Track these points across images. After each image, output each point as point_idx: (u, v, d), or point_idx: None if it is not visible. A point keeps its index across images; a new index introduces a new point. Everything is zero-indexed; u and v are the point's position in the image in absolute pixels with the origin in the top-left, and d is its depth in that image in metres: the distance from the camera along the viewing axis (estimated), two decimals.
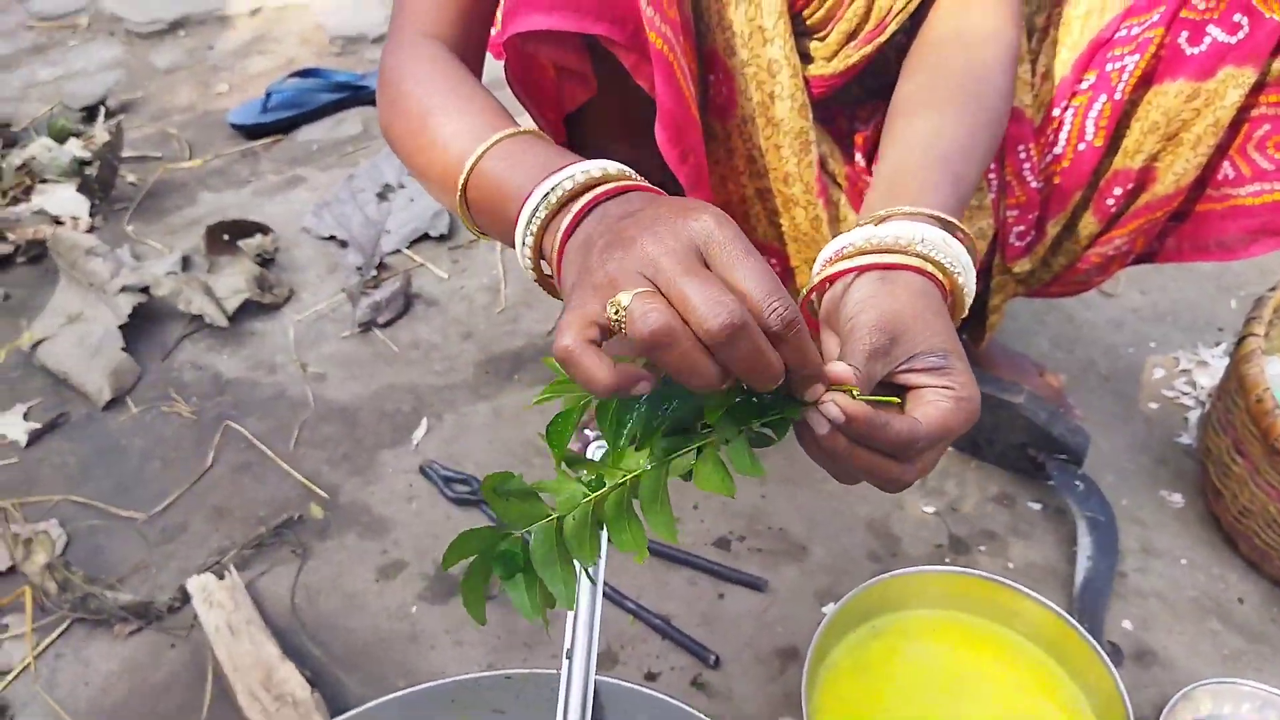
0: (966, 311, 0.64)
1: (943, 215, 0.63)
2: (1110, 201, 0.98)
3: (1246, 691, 0.86)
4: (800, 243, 0.96)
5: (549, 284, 0.60)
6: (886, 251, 0.60)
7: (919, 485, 1.13)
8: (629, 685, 0.70)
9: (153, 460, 1.18)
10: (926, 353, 0.56)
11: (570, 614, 0.70)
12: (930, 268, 0.60)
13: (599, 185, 0.56)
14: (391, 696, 0.69)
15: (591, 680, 0.68)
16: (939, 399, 0.56)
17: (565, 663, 0.69)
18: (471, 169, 0.63)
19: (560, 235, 0.55)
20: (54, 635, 0.99)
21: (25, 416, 1.23)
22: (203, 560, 1.05)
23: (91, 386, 1.24)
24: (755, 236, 0.98)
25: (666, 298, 0.47)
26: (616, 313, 0.46)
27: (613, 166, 0.57)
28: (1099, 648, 0.82)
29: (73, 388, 1.25)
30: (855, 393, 0.52)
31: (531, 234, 0.57)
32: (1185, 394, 1.25)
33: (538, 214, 0.56)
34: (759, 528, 1.09)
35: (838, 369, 0.52)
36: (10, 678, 0.95)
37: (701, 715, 0.67)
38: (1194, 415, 1.21)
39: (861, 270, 0.60)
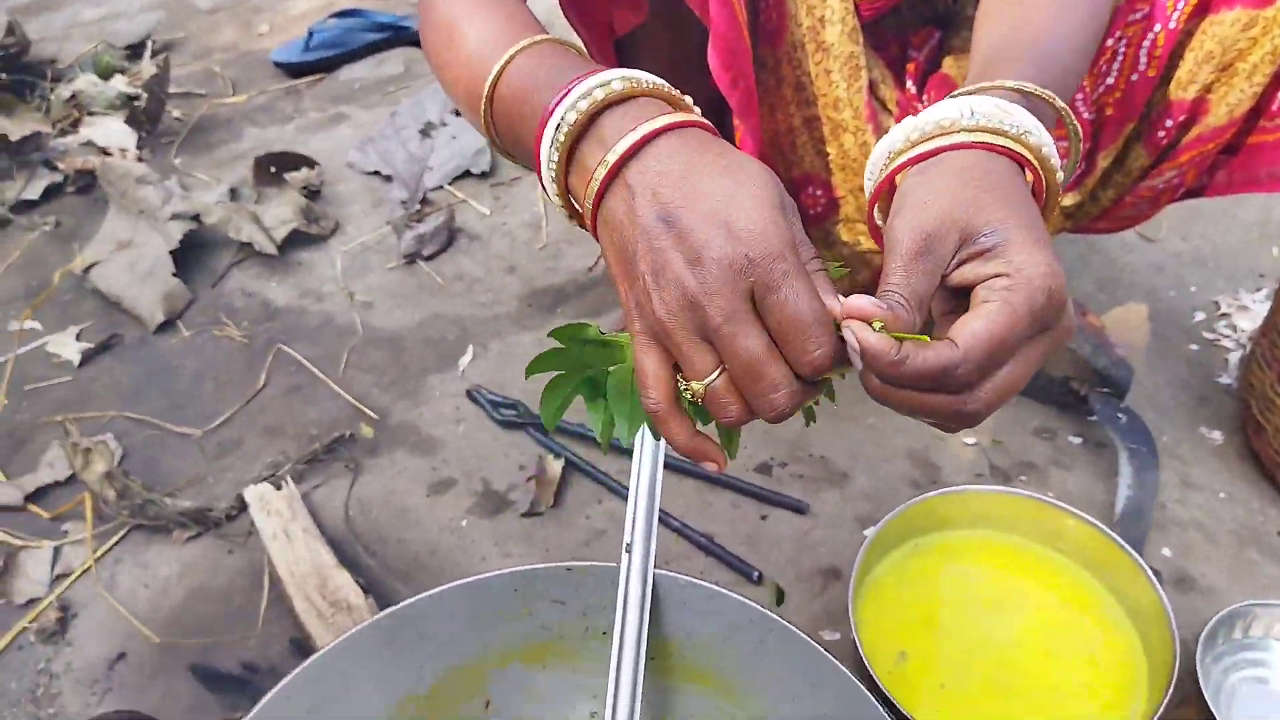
0: (1063, 177, 0.53)
1: (1008, 84, 0.54)
2: (1161, 134, 0.98)
3: None
4: (848, 171, 0.96)
5: (577, 216, 0.55)
6: (927, 140, 0.52)
7: None
8: (686, 578, 0.71)
9: (205, 381, 1.20)
10: (976, 233, 0.47)
11: (630, 510, 0.71)
12: (984, 138, 0.51)
13: (626, 100, 0.50)
14: (458, 583, 0.71)
15: (650, 572, 0.70)
16: (987, 297, 0.46)
17: (625, 556, 0.71)
18: (495, 80, 0.58)
19: (593, 196, 0.50)
20: (113, 541, 1.01)
21: (78, 338, 1.26)
22: (257, 474, 1.07)
23: (144, 309, 1.26)
24: (801, 168, 0.98)
25: (727, 363, 0.47)
26: (692, 396, 0.48)
27: (645, 78, 0.51)
28: (1143, 564, 0.83)
29: (125, 311, 1.28)
30: (877, 325, 0.44)
31: (554, 165, 0.52)
32: (1226, 336, 1.25)
33: (557, 140, 0.51)
34: (800, 455, 1.10)
35: (854, 303, 0.45)
36: (71, 579, 0.98)
37: (755, 603, 0.69)
38: (1234, 357, 1.22)
39: (901, 168, 0.53)
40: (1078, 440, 1.11)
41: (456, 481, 1.08)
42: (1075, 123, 0.56)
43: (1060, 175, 0.53)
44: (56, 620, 0.95)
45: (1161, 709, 0.74)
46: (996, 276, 0.46)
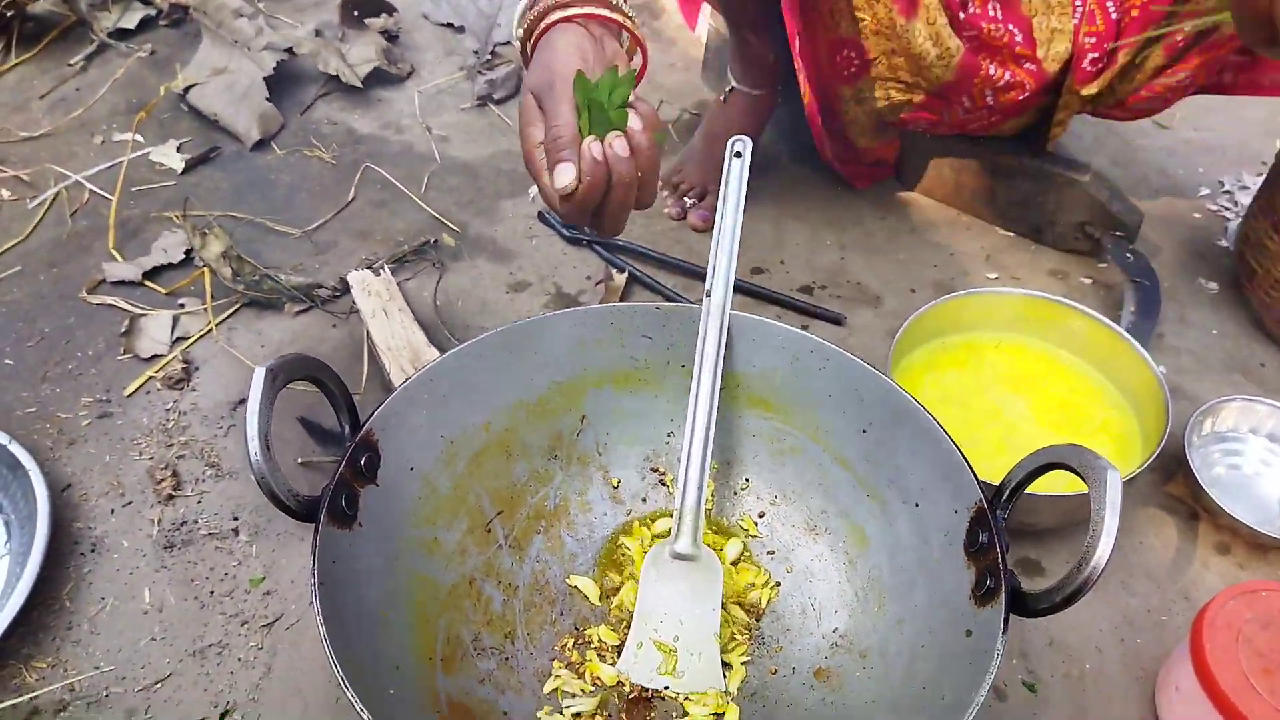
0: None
1: None
2: (1179, 37, 1.08)
3: (1265, 410, 1.00)
4: (880, 36, 1.08)
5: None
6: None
7: (985, 255, 1.26)
8: (757, 318, 0.84)
9: (299, 192, 1.32)
10: None
11: (711, 259, 0.84)
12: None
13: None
14: (564, 311, 0.84)
15: (727, 312, 0.82)
16: None
17: (706, 300, 0.83)
18: None
19: (530, 44, 0.79)
20: (229, 312, 1.14)
21: (178, 150, 1.37)
22: (354, 267, 1.19)
23: (240, 127, 1.37)
24: (837, 33, 1.10)
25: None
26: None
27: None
28: (1143, 351, 0.96)
29: (222, 128, 1.39)
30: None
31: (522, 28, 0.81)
32: (1228, 209, 1.37)
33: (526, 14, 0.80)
34: (839, 280, 1.23)
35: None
36: (194, 338, 1.11)
37: (819, 339, 0.82)
38: (1234, 224, 1.34)
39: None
40: (1088, 281, 1.24)
41: (531, 284, 1.20)
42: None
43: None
44: (181, 369, 1.07)
45: (1155, 455, 0.87)
46: None
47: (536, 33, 0.78)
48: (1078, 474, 0.61)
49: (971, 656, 0.61)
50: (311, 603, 0.60)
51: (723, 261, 0.83)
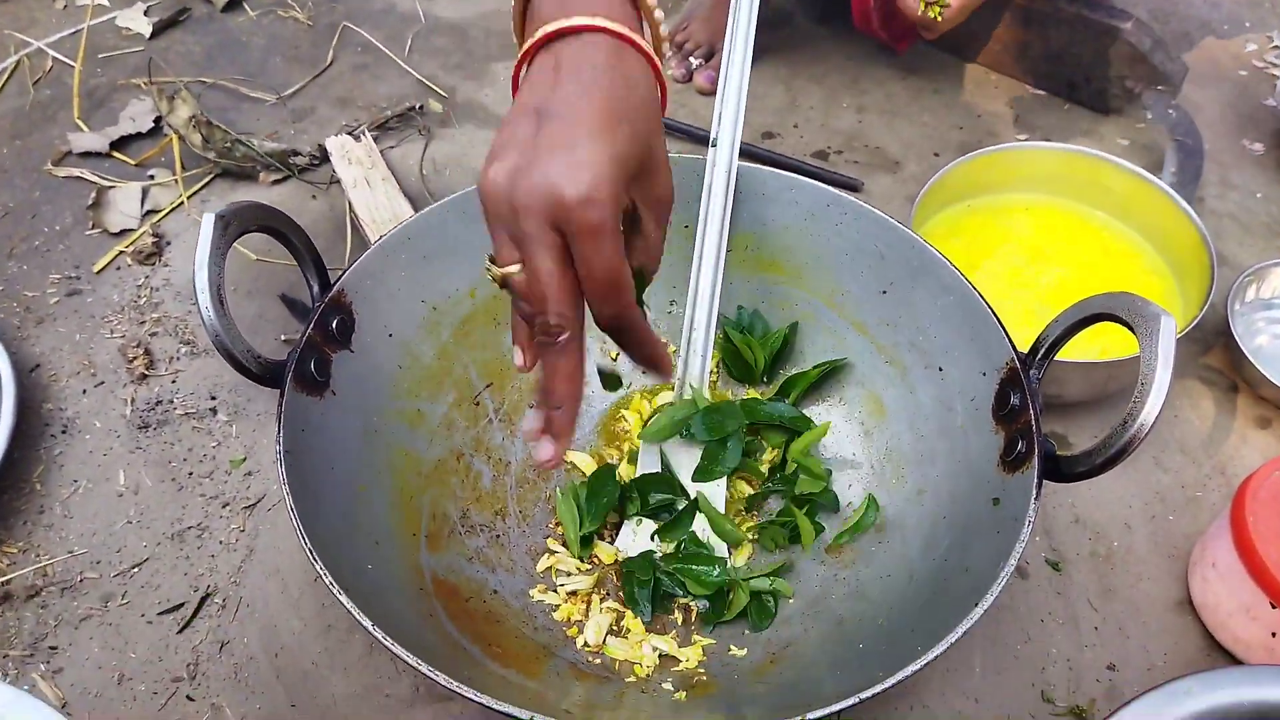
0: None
1: None
2: None
3: None
4: None
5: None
6: None
7: (1014, 116, 1.17)
8: (769, 169, 0.76)
9: (274, 56, 1.23)
10: None
11: (717, 106, 0.76)
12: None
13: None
14: None
15: (735, 161, 0.75)
16: None
17: (711, 150, 0.76)
18: None
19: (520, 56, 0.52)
20: (201, 184, 1.07)
21: (145, 13, 1.27)
22: (334, 134, 1.11)
23: None
24: None
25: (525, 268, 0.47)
26: (491, 277, 0.49)
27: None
28: (1183, 202, 0.88)
29: None
30: None
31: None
32: (1276, 65, 1.27)
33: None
34: (856, 145, 1.14)
35: None
36: (165, 212, 1.04)
37: (837, 191, 0.74)
38: None
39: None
40: (1124, 143, 1.15)
41: None
42: None
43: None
44: (152, 244, 1.00)
45: (1199, 318, 0.80)
46: None
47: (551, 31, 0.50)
48: (1126, 324, 0.54)
49: (999, 526, 0.56)
50: (278, 471, 0.55)
51: (730, 105, 0.75)
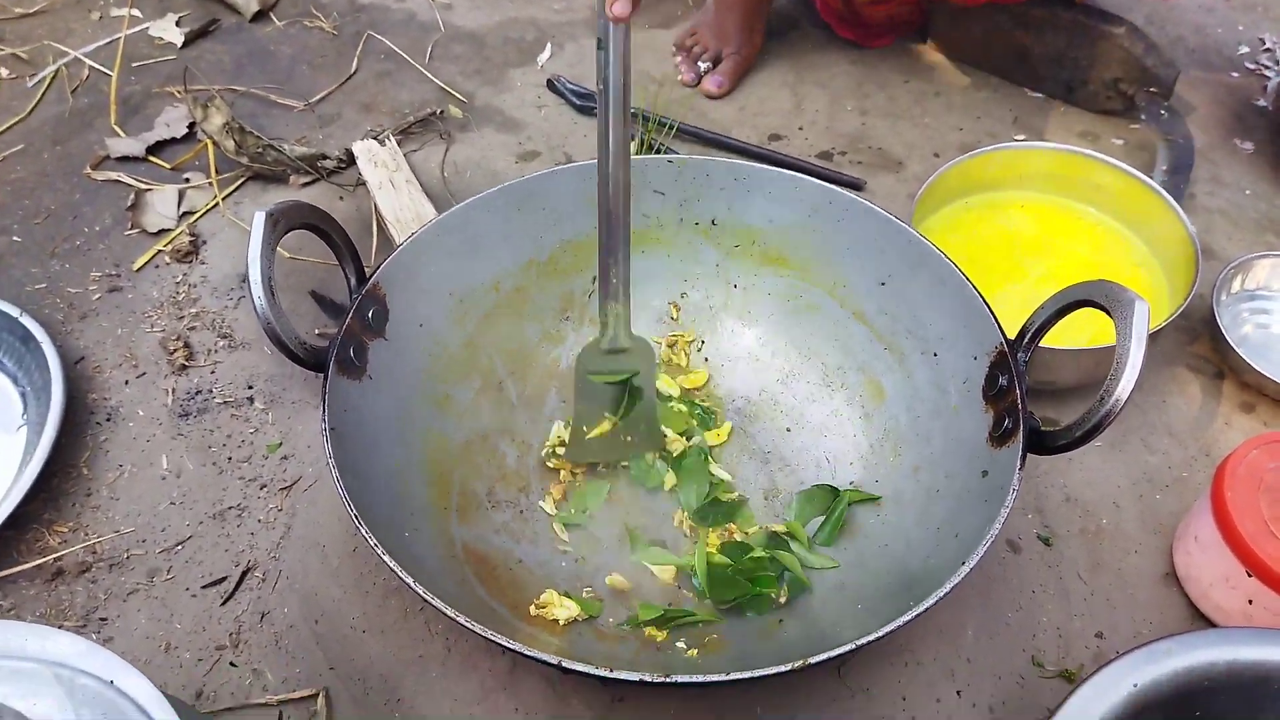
0: None
1: None
2: None
3: None
4: None
5: None
6: None
7: (1013, 118, 1.21)
8: (774, 169, 0.81)
9: (301, 64, 1.28)
10: None
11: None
12: None
13: None
14: (571, 165, 0.82)
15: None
16: None
17: (599, 52, 0.80)
18: None
19: None
20: (234, 186, 1.12)
21: (177, 24, 1.33)
22: (359, 139, 1.17)
23: None
24: None
25: None
26: None
27: None
28: (1173, 201, 0.93)
29: (220, 0, 1.34)
30: None
31: None
32: (1267, 67, 1.31)
33: None
34: (860, 146, 1.19)
35: None
36: (201, 212, 1.09)
37: (838, 189, 0.79)
38: (1274, 82, 1.28)
39: None
40: (1120, 142, 1.19)
41: (541, 153, 1.17)
42: None
43: None
44: (189, 243, 1.06)
45: (1184, 306, 0.85)
46: None
47: None
48: (1104, 309, 0.59)
49: (987, 494, 0.61)
50: (324, 446, 0.60)
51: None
